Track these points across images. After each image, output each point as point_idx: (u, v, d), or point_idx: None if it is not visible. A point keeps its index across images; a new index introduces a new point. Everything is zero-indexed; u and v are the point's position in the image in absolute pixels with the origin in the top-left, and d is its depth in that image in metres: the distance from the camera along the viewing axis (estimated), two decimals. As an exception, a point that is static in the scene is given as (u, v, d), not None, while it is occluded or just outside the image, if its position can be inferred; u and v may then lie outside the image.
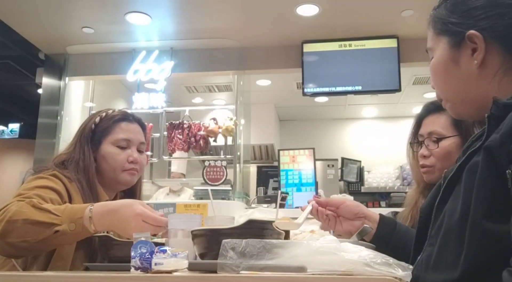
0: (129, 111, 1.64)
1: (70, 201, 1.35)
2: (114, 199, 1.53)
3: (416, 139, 1.54)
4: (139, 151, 1.57)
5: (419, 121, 1.55)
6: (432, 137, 1.47)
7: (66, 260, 1.30)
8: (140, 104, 4.69)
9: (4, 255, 1.27)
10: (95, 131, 1.53)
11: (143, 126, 1.62)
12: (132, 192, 1.60)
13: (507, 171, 0.72)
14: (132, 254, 0.88)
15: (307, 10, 4.13)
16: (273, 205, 3.75)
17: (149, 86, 4.90)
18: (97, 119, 1.55)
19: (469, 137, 0.94)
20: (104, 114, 1.57)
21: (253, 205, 4.07)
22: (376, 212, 1.31)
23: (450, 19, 0.93)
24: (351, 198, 1.35)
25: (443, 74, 0.96)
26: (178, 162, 4.50)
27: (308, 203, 1.31)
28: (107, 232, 1.29)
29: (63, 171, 1.42)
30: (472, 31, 0.89)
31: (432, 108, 1.50)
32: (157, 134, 4.45)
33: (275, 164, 5.42)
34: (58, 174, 1.39)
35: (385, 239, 1.23)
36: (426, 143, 1.48)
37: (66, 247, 1.30)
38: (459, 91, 0.94)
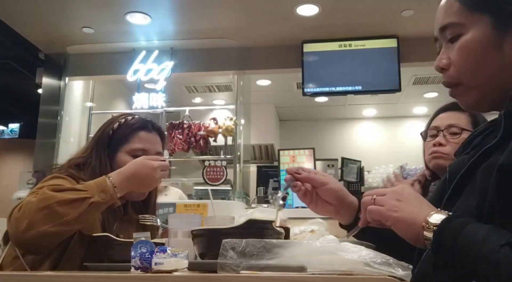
0: (148, 118, 1.58)
1: None
2: (125, 205, 1.48)
3: (428, 131, 1.61)
4: None
5: (434, 116, 1.63)
6: (451, 129, 1.54)
7: (74, 263, 1.29)
8: (140, 104, 4.70)
9: (28, 251, 1.24)
10: (112, 138, 1.48)
11: (162, 135, 1.58)
12: (147, 199, 1.54)
13: None
14: (132, 253, 0.88)
15: (307, 10, 4.13)
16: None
17: (149, 86, 4.90)
18: (115, 125, 1.50)
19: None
20: (123, 120, 1.52)
21: (253, 205, 4.07)
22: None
23: None
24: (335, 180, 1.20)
25: (479, 56, 0.86)
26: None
27: (287, 172, 1.15)
28: (107, 233, 1.29)
29: (78, 173, 1.41)
30: None
31: (450, 107, 1.57)
32: (157, 135, 4.44)
33: (275, 164, 5.41)
34: (74, 176, 1.38)
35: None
36: (444, 133, 1.55)
37: (76, 249, 1.29)
38: (494, 78, 0.85)
